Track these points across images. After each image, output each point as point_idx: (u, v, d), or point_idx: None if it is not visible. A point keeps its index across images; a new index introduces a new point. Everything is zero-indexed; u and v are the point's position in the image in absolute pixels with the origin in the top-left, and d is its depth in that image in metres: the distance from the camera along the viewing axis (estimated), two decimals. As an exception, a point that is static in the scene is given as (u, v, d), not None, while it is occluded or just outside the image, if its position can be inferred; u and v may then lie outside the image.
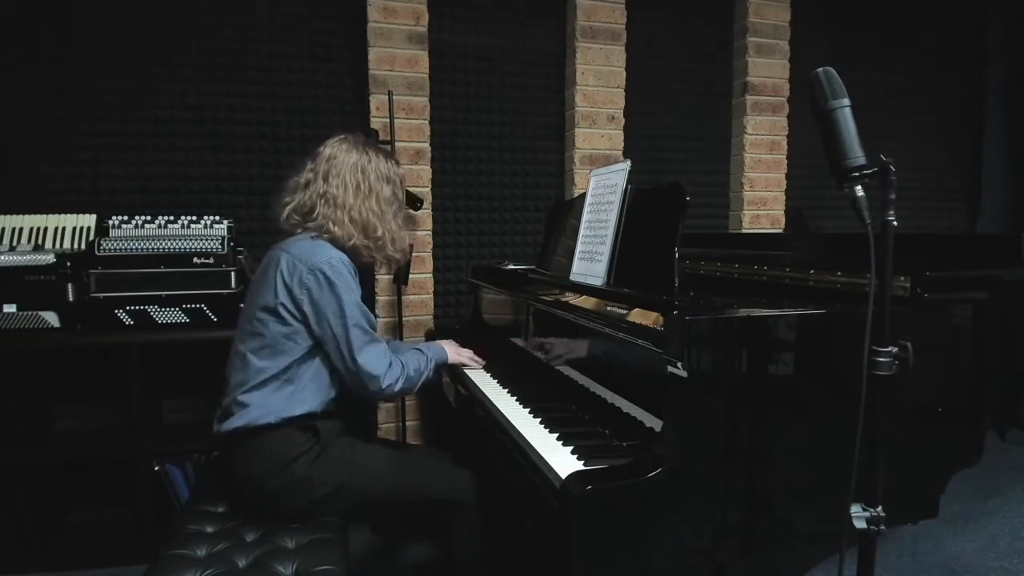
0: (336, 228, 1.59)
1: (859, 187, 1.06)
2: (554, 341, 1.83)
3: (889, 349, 1.06)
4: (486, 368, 2.02)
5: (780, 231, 3.38)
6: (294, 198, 1.65)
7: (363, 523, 1.64)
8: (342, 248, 1.60)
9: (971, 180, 3.90)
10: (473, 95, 2.98)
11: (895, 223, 1.03)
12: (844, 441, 1.09)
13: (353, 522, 1.60)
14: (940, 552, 2.31)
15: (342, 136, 1.68)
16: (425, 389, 1.82)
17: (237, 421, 1.50)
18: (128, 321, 2.28)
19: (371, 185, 1.64)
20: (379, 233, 1.64)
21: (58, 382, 2.47)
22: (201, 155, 2.66)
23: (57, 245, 2.40)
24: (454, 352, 1.97)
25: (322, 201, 1.61)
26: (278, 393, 1.52)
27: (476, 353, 2.06)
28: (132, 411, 2.29)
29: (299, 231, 1.64)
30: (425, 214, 2.88)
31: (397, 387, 1.62)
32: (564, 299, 1.73)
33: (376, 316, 2.85)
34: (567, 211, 2.21)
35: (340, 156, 1.63)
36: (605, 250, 1.75)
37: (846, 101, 1.08)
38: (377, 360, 1.57)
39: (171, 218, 2.44)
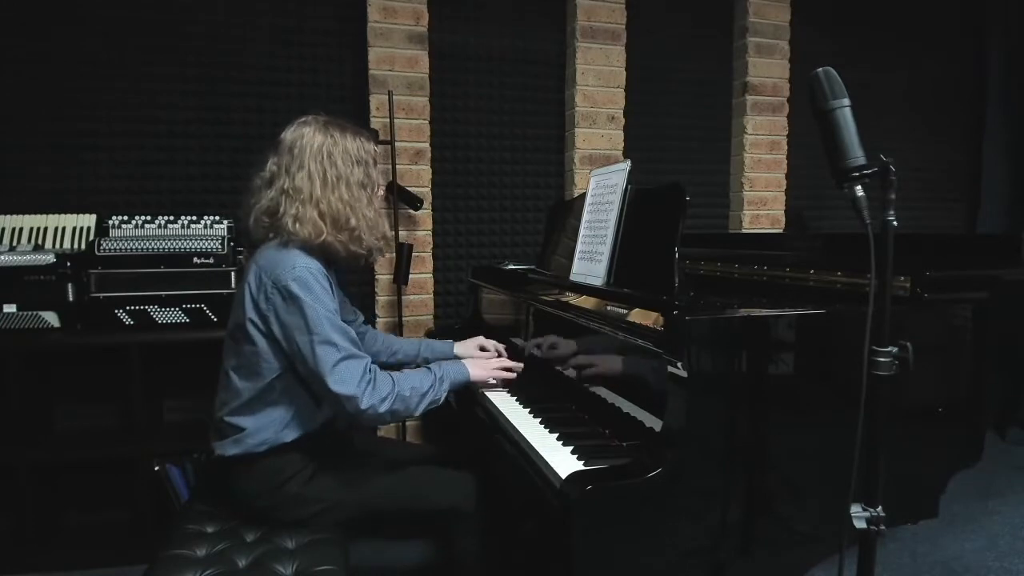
0: (300, 227, 1.43)
1: (859, 187, 1.06)
2: (554, 341, 1.83)
3: (889, 349, 1.05)
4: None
5: (780, 231, 3.38)
6: (260, 199, 1.49)
7: (362, 531, 1.61)
8: (313, 250, 1.46)
9: (971, 180, 3.90)
10: (473, 95, 2.98)
11: (895, 223, 1.03)
12: (844, 441, 1.09)
13: (351, 532, 1.58)
14: (940, 552, 2.31)
15: (302, 119, 1.52)
16: None
17: (232, 448, 1.46)
18: (128, 321, 2.28)
19: (339, 171, 1.47)
20: (353, 223, 1.48)
21: (58, 382, 2.46)
22: (201, 155, 2.66)
23: (57, 245, 2.40)
24: (479, 369, 1.71)
25: (286, 198, 1.46)
26: (268, 416, 1.46)
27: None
28: (132, 411, 2.28)
29: (271, 235, 1.50)
30: (425, 214, 2.87)
31: (383, 408, 1.42)
32: (564, 299, 1.72)
33: (376, 316, 2.85)
34: (567, 211, 2.21)
35: (301, 143, 1.47)
36: (605, 250, 1.75)
37: (846, 101, 1.07)
38: (351, 378, 1.39)
39: (171, 218, 2.44)
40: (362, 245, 1.52)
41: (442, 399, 1.57)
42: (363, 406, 1.40)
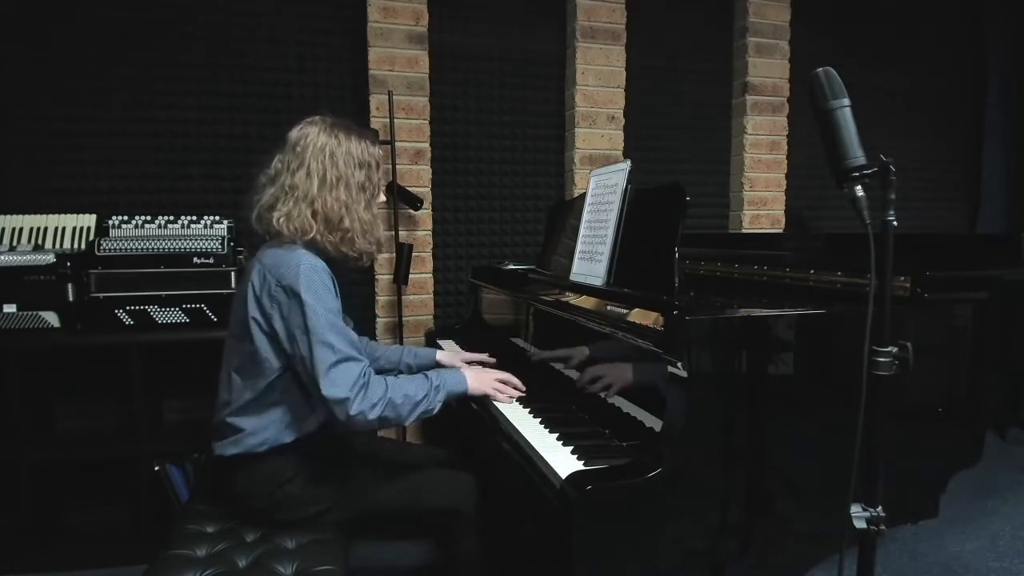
0: (287, 223, 1.44)
1: (859, 187, 1.06)
2: (554, 341, 1.83)
3: (889, 349, 1.06)
4: (486, 368, 2.01)
5: (780, 231, 3.38)
6: (263, 195, 1.50)
7: (362, 531, 1.61)
8: (311, 247, 1.47)
9: (971, 180, 3.90)
10: (473, 95, 2.98)
11: (895, 223, 1.03)
12: (844, 441, 1.09)
13: (351, 532, 1.57)
14: (940, 552, 2.31)
15: (310, 119, 1.53)
16: None
17: (233, 448, 1.46)
18: (128, 321, 2.28)
19: (339, 171, 1.47)
20: (346, 224, 1.47)
21: (58, 382, 2.46)
22: (201, 155, 2.66)
23: (57, 245, 2.40)
24: (479, 381, 1.66)
25: (283, 195, 1.47)
26: (269, 416, 1.46)
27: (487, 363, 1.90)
28: (132, 411, 2.28)
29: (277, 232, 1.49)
30: (425, 214, 2.87)
31: (372, 415, 1.38)
32: (564, 299, 1.72)
33: (376, 316, 2.85)
34: (567, 211, 2.21)
35: (305, 141, 1.48)
36: (605, 250, 1.75)
37: (846, 101, 1.08)
38: (344, 382, 1.36)
39: (171, 218, 2.44)
40: (353, 247, 1.51)
41: (436, 409, 1.52)
42: (352, 411, 1.37)
